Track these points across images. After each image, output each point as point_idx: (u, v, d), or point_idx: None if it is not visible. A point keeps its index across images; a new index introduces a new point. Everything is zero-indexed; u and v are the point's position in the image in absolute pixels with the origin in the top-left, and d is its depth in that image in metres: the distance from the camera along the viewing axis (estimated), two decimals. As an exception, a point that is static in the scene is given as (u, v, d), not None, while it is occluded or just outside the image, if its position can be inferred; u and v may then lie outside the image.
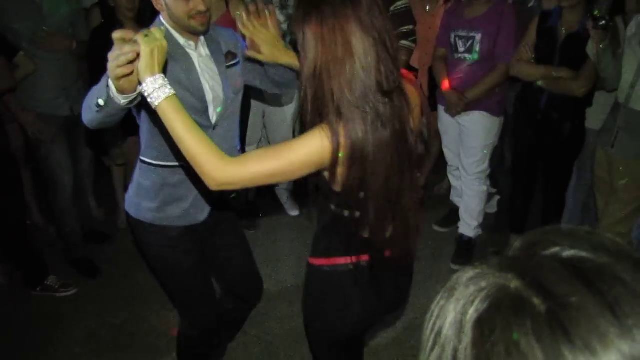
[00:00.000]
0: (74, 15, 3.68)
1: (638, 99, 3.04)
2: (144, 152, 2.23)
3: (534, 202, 3.96)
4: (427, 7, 4.13)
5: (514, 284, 0.60)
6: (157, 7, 2.07)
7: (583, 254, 0.60)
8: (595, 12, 3.01)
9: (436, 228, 4.41)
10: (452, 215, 4.35)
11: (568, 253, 0.61)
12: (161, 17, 2.09)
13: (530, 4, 3.94)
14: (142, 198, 2.26)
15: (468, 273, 0.65)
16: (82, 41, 3.65)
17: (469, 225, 4.01)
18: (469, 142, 3.87)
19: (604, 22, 2.96)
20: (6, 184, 3.34)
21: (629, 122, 3.09)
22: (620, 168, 3.19)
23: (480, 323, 0.59)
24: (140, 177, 2.26)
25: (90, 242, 4.07)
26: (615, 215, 3.27)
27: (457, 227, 4.12)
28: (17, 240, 3.54)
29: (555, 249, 0.62)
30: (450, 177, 4.37)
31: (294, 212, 4.58)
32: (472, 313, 0.60)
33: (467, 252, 4.02)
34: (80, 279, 3.75)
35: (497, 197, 4.58)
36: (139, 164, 2.28)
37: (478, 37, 3.58)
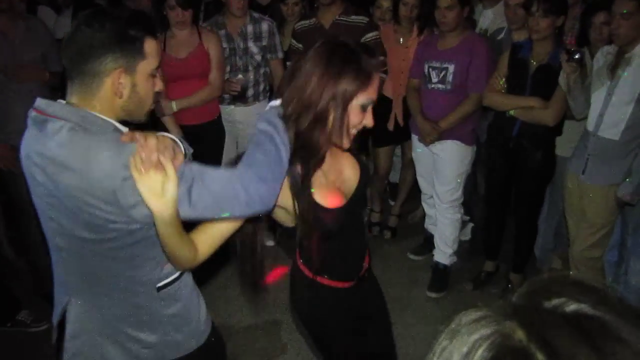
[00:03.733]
0: (46, 47, 3.67)
1: (607, 127, 3.13)
2: None
3: (507, 229, 4.01)
4: (401, 40, 4.21)
5: (518, 335, 0.60)
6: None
7: (587, 309, 0.60)
8: (570, 47, 3.12)
9: (411, 256, 4.43)
10: (427, 243, 4.38)
11: (572, 307, 0.61)
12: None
13: (501, 37, 4.04)
14: None
15: (470, 315, 0.66)
16: (55, 72, 3.63)
17: (443, 253, 4.04)
18: (442, 170, 3.92)
19: (578, 55, 3.06)
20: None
21: (599, 149, 3.18)
22: (591, 194, 3.27)
23: None
24: None
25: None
26: (587, 240, 3.34)
27: (432, 255, 4.14)
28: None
29: (559, 301, 0.62)
30: (424, 205, 4.41)
31: (270, 243, 4.56)
32: None
33: (442, 279, 4.04)
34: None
35: (471, 225, 4.63)
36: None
37: (451, 68, 3.66)
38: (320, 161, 1.79)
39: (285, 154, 1.67)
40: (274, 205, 1.72)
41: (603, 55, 3.21)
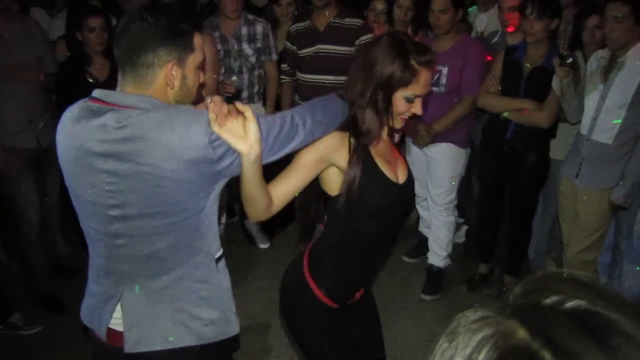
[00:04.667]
0: (41, 48, 3.66)
1: (600, 131, 3.14)
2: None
3: (502, 232, 4.02)
4: (394, 42, 4.21)
5: (521, 334, 0.60)
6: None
7: (587, 305, 0.60)
8: (562, 52, 3.14)
9: (405, 259, 4.43)
10: (421, 245, 4.38)
11: (571, 304, 0.61)
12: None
13: (495, 40, 4.06)
14: None
15: (469, 316, 0.65)
16: (49, 73, 3.62)
17: (438, 256, 4.04)
18: (436, 173, 3.92)
19: (570, 60, 3.08)
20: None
21: (592, 153, 3.19)
22: (584, 197, 3.27)
23: None
24: None
25: (56, 278, 3.98)
26: (581, 243, 3.35)
27: (427, 258, 4.14)
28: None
29: (557, 298, 0.62)
30: (418, 208, 4.41)
31: (265, 245, 4.56)
32: None
33: (437, 282, 4.04)
34: (46, 316, 3.65)
35: (465, 227, 4.64)
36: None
37: (445, 70, 3.67)
38: (376, 136, 1.95)
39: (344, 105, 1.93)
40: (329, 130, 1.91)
41: (596, 59, 3.22)
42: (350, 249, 2.05)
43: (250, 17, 4.16)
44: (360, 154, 1.91)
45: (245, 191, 1.75)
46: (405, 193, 2.11)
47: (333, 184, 1.98)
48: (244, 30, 4.08)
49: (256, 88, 4.24)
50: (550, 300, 0.62)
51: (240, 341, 2.42)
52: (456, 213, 4.10)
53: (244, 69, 4.14)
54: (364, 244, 2.06)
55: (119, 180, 1.63)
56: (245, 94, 4.18)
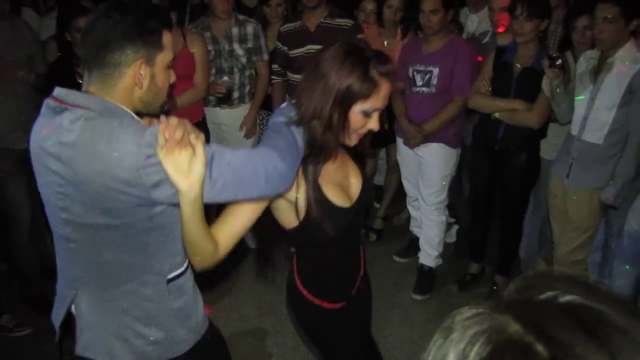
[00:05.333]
0: (31, 48, 3.64)
1: (590, 132, 3.16)
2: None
3: (492, 231, 4.03)
4: (385, 42, 4.22)
5: (514, 327, 0.60)
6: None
7: (580, 300, 0.61)
8: (552, 53, 3.15)
9: (396, 258, 4.44)
10: (412, 245, 4.39)
11: (565, 298, 0.62)
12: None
13: (485, 40, 4.07)
14: None
15: (464, 313, 0.65)
16: (39, 73, 3.60)
17: (429, 255, 4.05)
18: (427, 173, 3.93)
19: (560, 61, 3.09)
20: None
21: (583, 153, 3.21)
22: (574, 197, 3.29)
23: None
24: None
25: (46, 279, 3.96)
26: (572, 243, 3.37)
27: (418, 257, 4.15)
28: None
29: (551, 293, 0.63)
30: (409, 207, 4.42)
31: (254, 245, 4.55)
32: (473, 356, 0.60)
33: (428, 281, 4.05)
34: (36, 318, 3.63)
35: (456, 227, 4.65)
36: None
37: (435, 71, 3.68)
38: (328, 156, 1.81)
39: (300, 142, 1.71)
40: (290, 186, 1.74)
41: (585, 60, 3.24)
42: (327, 263, 2.04)
43: (241, 17, 4.15)
44: (310, 180, 1.80)
45: (185, 234, 1.61)
46: (360, 207, 2.02)
47: (285, 214, 1.88)
48: (235, 31, 4.08)
49: (247, 88, 4.24)
50: (544, 295, 0.63)
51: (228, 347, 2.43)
52: (447, 213, 4.11)
53: (235, 70, 4.13)
54: (335, 257, 2.03)
55: (64, 183, 1.59)
56: (236, 94, 4.18)
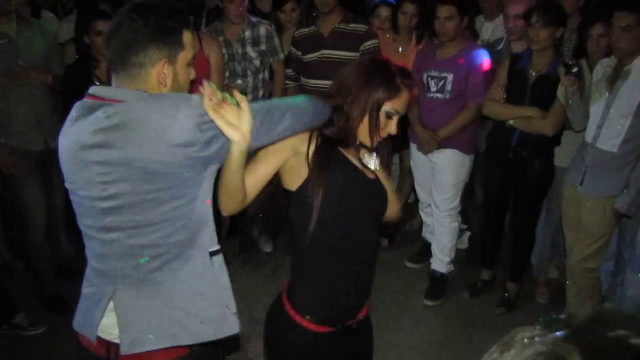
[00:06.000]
0: (49, 50, 3.69)
1: (605, 139, 3.15)
2: None
3: (505, 238, 4.02)
4: (400, 49, 4.23)
5: (574, 358, 0.58)
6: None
7: None
8: (568, 61, 3.15)
9: (408, 264, 4.44)
10: (424, 251, 4.39)
11: (636, 341, 0.59)
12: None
13: (500, 46, 4.07)
14: None
15: (526, 332, 0.64)
16: (57, 75, 3.65)
17: (441, 261, 4.05)
18: (440, 179, 3.93)
19: (576, 69, 3.09)
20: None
21: (597, 161, 3.20)
22: (588, 205, 3.28)
23: None
24: None
25: (60, 279, 4.00)
26: (584, 250, 3.35)
27: (429, 263, 4.15)
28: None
29: (622, 333, 0.60)
30: (422, 213, 4.42)
31: (268, 249, 4.57)
32: None
33: (439, 287, 4.05)
34: (50, 317, 3.67)
35: (468, 233, 4.65)
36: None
37: (450, 77, 3.68)
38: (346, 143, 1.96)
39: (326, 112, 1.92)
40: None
41: (602, 67, 3.23)
42: (322, 267, 1.95)
43: (254, 19, 4.17)
44: (327, 149, 1.92)
45: (227, 181, 1.74)
46: (377, 189, 2.01)
47: (294, 175, 1.91)
48: (248, 34, 4.10)
49: (260, 92, 4.25)
50: (614, 333, 0.60)
51: (240, 344, 2.39)
52: (459, 219, 4.11)
53: (249, 72, 4.15)
54: (333, 263, 1.94)
55: (111, 170, 1.62)
56: (249, 98, 4.19)
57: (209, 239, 1.78)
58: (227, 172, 1.72)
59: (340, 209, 1.90)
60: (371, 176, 2.01)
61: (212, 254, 1.79)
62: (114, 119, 1.59)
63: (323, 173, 1.86)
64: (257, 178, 1.87)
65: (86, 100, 1.69)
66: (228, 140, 1.63)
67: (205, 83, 1.64)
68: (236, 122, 1.60)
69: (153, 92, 1.69)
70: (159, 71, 1.68)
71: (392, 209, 2.08)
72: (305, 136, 1.89)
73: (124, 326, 1.74)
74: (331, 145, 1.93)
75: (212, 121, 1.60)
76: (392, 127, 1.96)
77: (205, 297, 1.77)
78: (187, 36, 1.74)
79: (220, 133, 1.62)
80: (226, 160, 1.69)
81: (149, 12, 1.67)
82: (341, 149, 1.96)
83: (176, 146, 1.58)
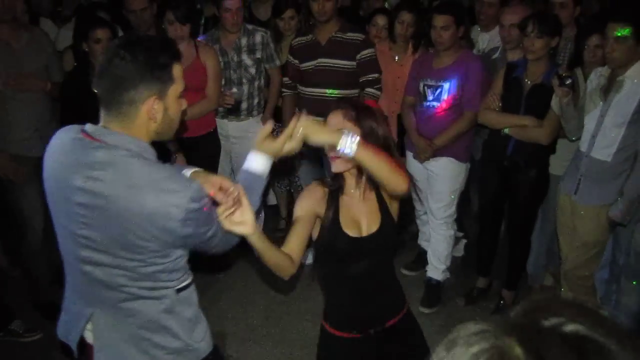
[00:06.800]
0: (48, 58, 3.71)
1: (599, 149, 3.18)
2: None
3: (500, 246, 4.04)
4: (396, 57, 4.26)
5: (517, 351, 0.60)
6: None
7: (585, 331, 0.61)
8: (561, 72, 3.18)
9: (404, 272, 4.44)
10: (420, 259, 4.40)
11: (570, 327, 0.61)
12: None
13: (495, 55, 4.10)
14: None
15: (469, 328, 0.66)
16: (56, 83, 3.66)
17: (436, 269, 4.06)
18: (436, 187, 3.95)
19: (569, 81, 3.12)
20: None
21: (591, 170, 3.23)
22: (582, 213, 3.30)
23: None
24: None
25: (55, 285, 3.99)
26: (579, 258, 3.37)
27: (425, 271, 4.16)
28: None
29: (557, 320, 0.62)
30: (418, 221, 4.44)
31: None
32: None
33: (435, 295, 4.06)
34: (46, 324, 3.66)
35: (464, 241, 4.66)
36: None
37: (446, 86, 3.71)
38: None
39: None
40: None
41: (596, 77, 3.26)
42: (340, 286, 2.23)
43: (250, 26, 4.20)
44: (332, 203, 2.13)
45: (266, 262, 1.88)
46: (370, 243, 2.16)
47: (315, 227, 2.15)
48: (244, 41, 4.13)
49: (256, 100, 4.27)
50: (549, 322, 0.63)
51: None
52: (455, 227, 4.12)
53: (244, 80, 4.17)
54: (349, 283, 2.19)
55: (92, 215, 1.66)
56: (244, 105, 4.21)
57: (179, 277, 1.84)
58: (261, 256, 1.85)
59: (343, 263, 2.17)
60: (364, 232, 2.16)
61: (179, 290, 1.85)
62: (108, 173, 1.63)
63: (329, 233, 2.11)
64: (298, 241, 2.05)
65: (82, 137, 1.70)
66: (204, 233, 1.73)
67: (215, 180, 1.79)
68: (240, 219, 1.68)
69: (142, 128, 1.70)
70: (149, 107, 1.69)
71: (399, 186, 2.01)
72: (319, 197, 2.14)
73: (99, 347, 1.82)
74: (335, 199, 2.14)
75: (197, 218, 1.67)
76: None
77: (170, 331, 1.83)
78: (177, 69, 1.74)
79: (197, 233, 1.70)
80: (254, 247, 1.80)
81: (137, 48, 1.66)
82: (342, 204, 2.14)
83: (157, 227, 1.64)
